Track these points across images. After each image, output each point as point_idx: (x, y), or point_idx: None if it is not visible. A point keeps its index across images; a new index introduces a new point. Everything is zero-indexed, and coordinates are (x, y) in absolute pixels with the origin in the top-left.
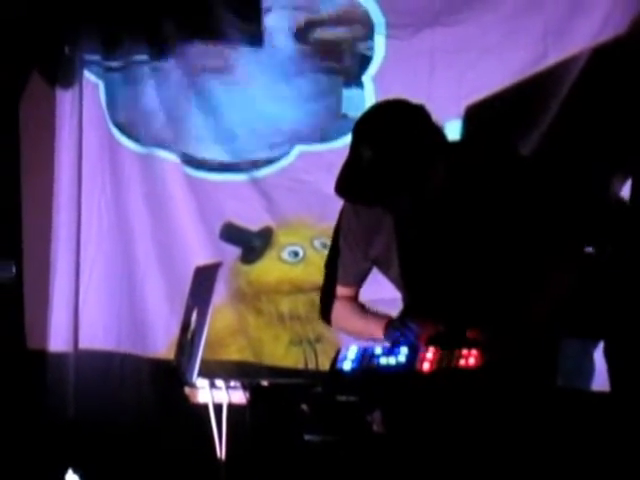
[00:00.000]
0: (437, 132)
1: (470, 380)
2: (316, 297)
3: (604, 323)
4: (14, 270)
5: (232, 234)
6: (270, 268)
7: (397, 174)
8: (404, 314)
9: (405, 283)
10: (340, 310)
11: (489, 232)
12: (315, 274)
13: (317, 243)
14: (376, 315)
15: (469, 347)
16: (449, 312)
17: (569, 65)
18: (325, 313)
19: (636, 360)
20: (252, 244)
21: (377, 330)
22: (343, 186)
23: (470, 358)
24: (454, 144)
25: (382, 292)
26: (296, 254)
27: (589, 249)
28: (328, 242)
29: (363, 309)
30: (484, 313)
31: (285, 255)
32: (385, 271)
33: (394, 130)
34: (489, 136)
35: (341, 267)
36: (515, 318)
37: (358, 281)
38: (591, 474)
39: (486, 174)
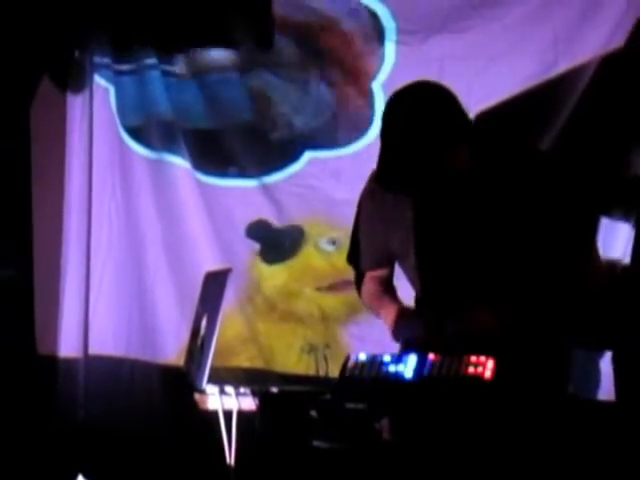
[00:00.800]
0: (464, 114)
1: (480, 389)
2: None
3: (613, 333)
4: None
5: (260, 231)
6: (310, 260)
7: (424, 153)
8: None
9: (420, 273)
10: (366, 288)
11: (507, 224)
12: None
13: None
14: (390, 301)
15: (479, 354)
16: (463, 303)
17: (579, 73)
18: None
19: None
20: (280, 242)
21: (387, 318)
22: (384, 175)
23: (479, 366)
24: (478, 132)
25: None
26: (334, 242)
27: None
28: None
29: (385, 290)
30: (498, 305)
31: (323, 245)
32: (401, 263)
33: (425, 110)
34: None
35: (363, 254)
36: (529, 322)
37: (384, 264)
38: None
39: (509, 165)
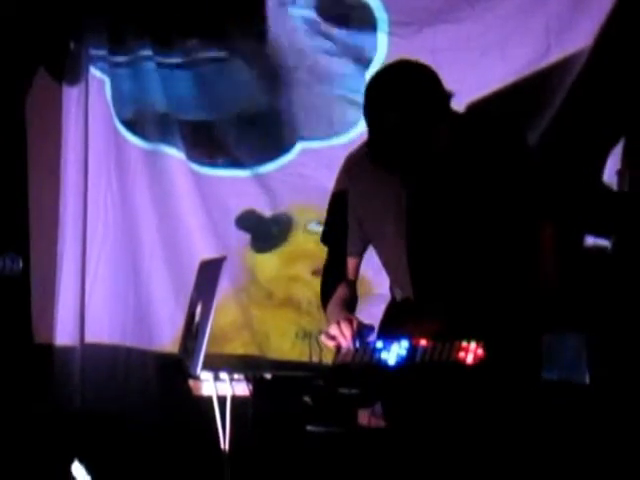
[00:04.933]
0: (445, 93)
1: (469, 374)
2: None
3: (591, 316)
4: (21, 264)
5: (249, 222)
6: (300, 244)
7: (411, 132)
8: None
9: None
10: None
11: (481, 204)
12: None
13: None
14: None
15: (469, 339)
16: (448, 287)
17: (571, 62)
18: (324, 293)
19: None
20: (268, 231)
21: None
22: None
23: (469, 353)
24: (457, 113)
25: None
26: (321, 223)
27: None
28: None
29: (344, 299)
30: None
31: (312, 227)
32: (377, 246)
33: (410, 92)
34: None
35: (350, 238)
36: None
37: (359, 251)
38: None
39: (486, 145)
